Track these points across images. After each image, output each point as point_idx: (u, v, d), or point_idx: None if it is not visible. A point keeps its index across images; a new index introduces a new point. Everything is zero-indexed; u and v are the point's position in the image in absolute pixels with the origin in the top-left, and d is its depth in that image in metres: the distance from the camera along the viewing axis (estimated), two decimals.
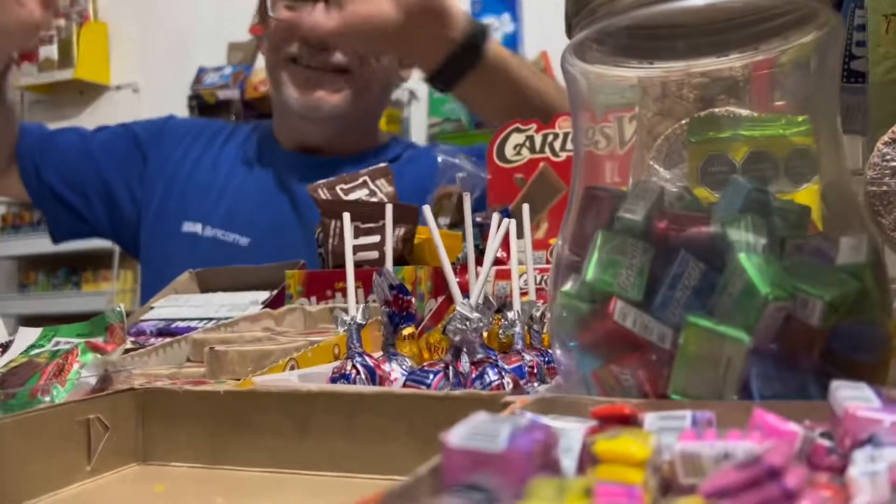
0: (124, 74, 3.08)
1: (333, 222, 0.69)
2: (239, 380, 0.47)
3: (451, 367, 0.40)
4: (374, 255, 0.67)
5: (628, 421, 0.26)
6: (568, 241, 0.38)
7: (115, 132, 1.19)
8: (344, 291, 0.68)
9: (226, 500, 0.35)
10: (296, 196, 1.06)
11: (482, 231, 0.78)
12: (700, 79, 0.53)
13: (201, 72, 2.63)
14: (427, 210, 0.52)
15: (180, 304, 0.74)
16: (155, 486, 0.36)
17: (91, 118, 3.17)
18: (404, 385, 0.40)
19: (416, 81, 2.44)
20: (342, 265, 0.69)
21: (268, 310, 0.67)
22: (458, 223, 0.80)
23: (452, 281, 0.46)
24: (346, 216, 0.49)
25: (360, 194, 0.79)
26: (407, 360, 0.45)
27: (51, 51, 2.95)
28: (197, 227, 1.07)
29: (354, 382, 0.41)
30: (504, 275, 0.72)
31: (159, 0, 3.04)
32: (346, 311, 0.45)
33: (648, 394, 0.30)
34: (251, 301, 0.72)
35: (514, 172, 0.82)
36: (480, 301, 0.43)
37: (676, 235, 0.33)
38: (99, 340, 0.40)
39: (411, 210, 0.67)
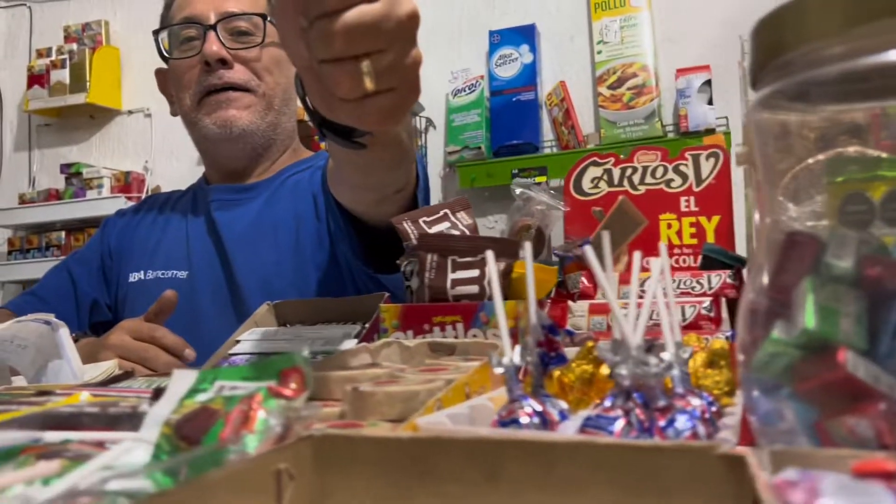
0: (136, 99, 3.07)
1: (430, 256, 0.69)
2: (393, 421, 0.47)
3: (632, 414, 0.39)
4: (474, 289, 0.67)
5: (891, 476, 0.26)
6: (765, 286, 0.38)
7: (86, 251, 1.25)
8: (443, 326, 0.68)
9: None
10: (216, 223, 1.12)
11: (563, 264, 0.78)
12: (821, 122, 0.53)
13: None
14: (527, 247, 0.52)
15: (267, 337, 0.74)
16: None
17: (102, 142, 3.16)
18: (582, 431, 0.40)
19: (433, 110, 2.46)
20: (441, 299, 0.69)
21: (364, 344, 0.67)
22: (537, 255, 0.81)
23: (535, 315, 0.46)
24: (528, 247, 0.48)
25: (442, 227, 0.79)
26: (560, 402, 0.45)
27: (62, 74, 2.95)
28: (140, 275, 1.13)
29: (527, 428, 0.40)
30: (597, 309, 0.72)
31: None
32: (497, 350, 0.45)
33: (889, 446, 0.30)
34: (343, 334, 0.71)
35: (593, 205, 0.83)
36: (641, 342, 0.43)
37: (892, 283, 0.33)
38: (272, 384, 0.40)
39: (512, 244, 0.67)
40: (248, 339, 0.73)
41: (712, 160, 0.78)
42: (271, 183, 1.15)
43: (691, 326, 0.67)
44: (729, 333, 0.63)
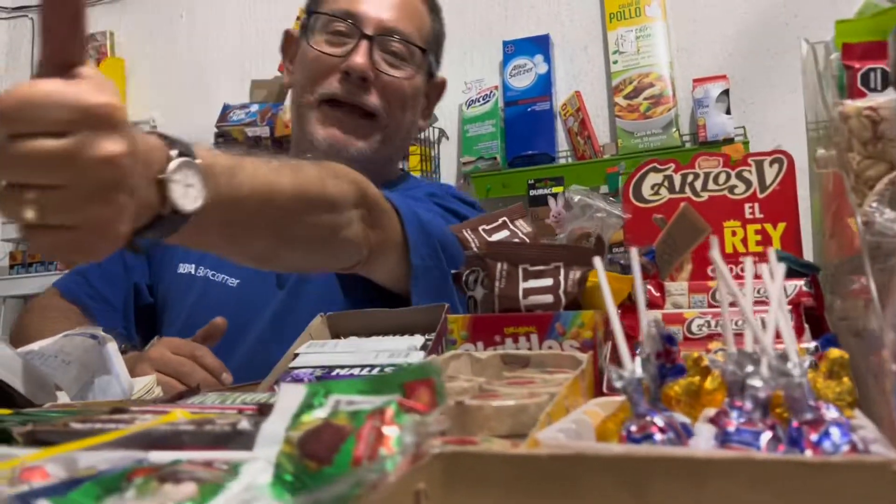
0: (142, 111, 3.05)
1: (500, 265, 0.67)
2: (505, 437, 0.45)
3: (778, 427, 0.37)
4: (548, 298, 0.65)
5: None
6: None
7: None
8: (515, 337, 0.66)
9: None
10: None
11: (625, 273, 0.76)
12: None
13: (226, 109, 2.61)
14: (634, 254, 0.50)
15: (327, 350, 0.71)
16: None
17: None
18: (723, 446, 0.37)
19: (445, 121, 2.45)
20: (512, 309, 0.67)
21: (434, 356, 0.64)
22: None
23: (653, 326, 0.44)
24: (634, 254, 0.46)
25: (502, 236, 0.77)
26: (681, 416, 0.42)
27: None
28: (190, 268, 1.07)
29: (662, 444, 0.38)
30: (671, 319, 0.70)
31: (178, 37, 3.04)
32: (618, 364, 0.43)
33: None
34: (408, 346, 0.69)
35: (653, 212, 0.81)
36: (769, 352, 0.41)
37: None
38: (397, 398, 0.37)
39: (586, 253, 0.65)
40: (308, 353, 0.71)
41: (776, 166, 0.77)
42: None
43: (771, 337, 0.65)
44: (813, 344, 0.61)
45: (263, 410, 0.45)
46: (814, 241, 0.76)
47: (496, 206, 2.28)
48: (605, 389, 0.61)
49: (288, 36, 1.13)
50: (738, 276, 0.76)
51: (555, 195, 2.10)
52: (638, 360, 0.42)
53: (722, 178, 0.79)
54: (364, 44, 0.98)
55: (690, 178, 0.80)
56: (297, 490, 0.35)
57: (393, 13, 1.01)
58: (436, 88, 1.13)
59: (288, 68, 1.12)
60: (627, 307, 0.72)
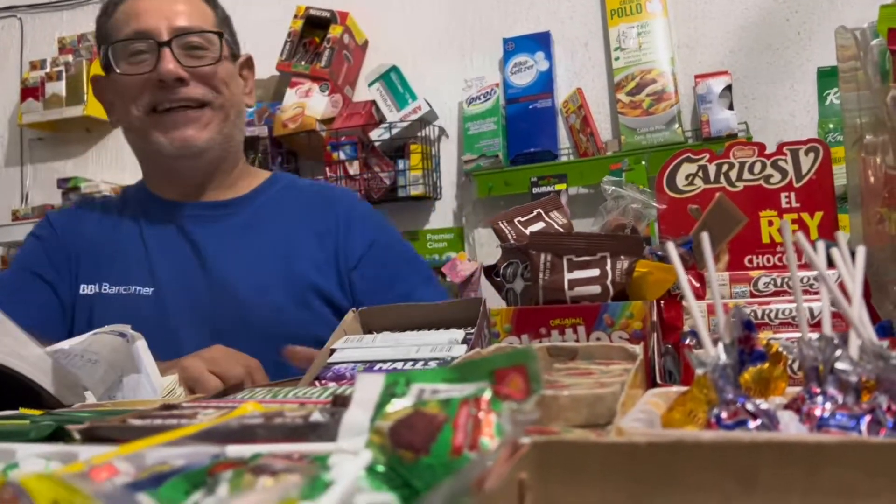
0: None
1: (543, 255, 0.66)
2: (583, 427, 0.43)
3: (878, 411, 0.36)
4: (595, 289, 0.63)
5: None
6: None
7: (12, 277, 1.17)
8: (561, 329, 0.64)
9: None
10: (196, 242, 1.10)
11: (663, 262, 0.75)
12: None
13: None
14: (671, 246, 0.49)
15: (365, 345, 0.70)
16: None
17: (98, 156, 3.09)
18: (819, 431, 0.36)
19: (445, 119, 2.43)
20: (557, 301, 0.66)
21: (478, 349, 0.63)
22: (637, 255, 0.77)
23: (733, 312, 0.43)
24: (705, 240, 0.45)
25: (537, 227, 0.76)
26: (762, 403, 0.41)
27: (59, 87, 2.87)
28: (93, 287, 1.08)
29: (758, 430, 0.37)
30: (713, 309, 0.69)
31: None
32: (699, 349, 0.42)
33: None
34: (450, 340, 0.67)
35: (688, 203, 0.80)
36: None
37: None
38: (487, 385, 0.36)
39: (635, 242, 0.64)
40: (345, 348, 0.69)
41: (812, 155, 0.76)
42: (251, 202, 1.15)
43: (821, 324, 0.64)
44: None
45: (338, 402, 0.44)
46: (851, 228, 0.76)
47: (497, 205, 2.28)
48: (658, 381, 0.60)
49: (95, 82, 1.16)
50: (777, 267, 0.76)
51: (558, 193, 2.09)
52: (720, 345, 0.41)
53: (757, 167, 0.78)
54: (165, 51, 1.04)
55: (725, 167, 0.79)
56: (392, 481, 0.34)
57: (176, 15, 1.07)
58: (247, 65, 1.18)
59: (110, 109, 1.16)
60: (668, 299, 0.71)
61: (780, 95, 2.08)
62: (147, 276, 1.08)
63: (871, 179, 0.65)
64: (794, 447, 0.33)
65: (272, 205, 1.15)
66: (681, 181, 0.80)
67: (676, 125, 2.06)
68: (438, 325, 0.75)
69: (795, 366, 0.55)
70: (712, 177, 0.79)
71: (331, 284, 1.08)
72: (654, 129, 2.06)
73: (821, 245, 0.48)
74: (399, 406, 0.37)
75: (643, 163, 1.95)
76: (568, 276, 0.64)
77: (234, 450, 0.36)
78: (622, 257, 0.64)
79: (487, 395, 0.34)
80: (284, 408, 0.43)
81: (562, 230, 0.76)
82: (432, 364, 0.63)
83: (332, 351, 0.69)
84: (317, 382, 0.64)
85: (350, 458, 0.35)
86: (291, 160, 2.54)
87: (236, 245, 1.10)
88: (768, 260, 0.75)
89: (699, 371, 0.41)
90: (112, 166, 3.04)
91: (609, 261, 0.63)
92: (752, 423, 0.37)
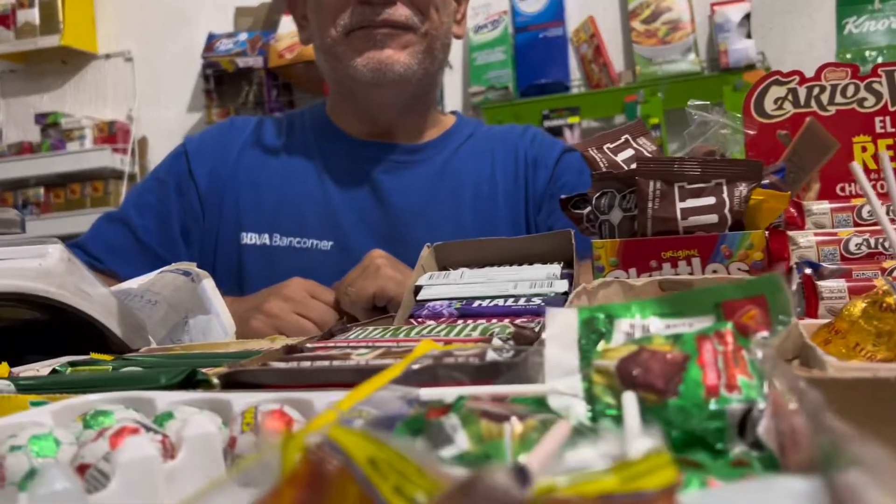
0: (114, 42, 2.85)
1: (653, 183, 0.61)
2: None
3: None
4: (712, 218, 0.60)
5: None
6: None
7: (145, 194, 1.03)
8: (674, 261, 0.61)
9: None
10: (378, 187, 0.98)
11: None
12: None
13: (212, 38, 2.45)
14: (856, 166, 0.45)
15: (453, 281, 0.66)
16: None
17: (77, 89, 2.94)
18: None
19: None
20: (668, 231, 0.62)
21: (584, 285, 0.59)
22: None
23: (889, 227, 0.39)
24: (856, 168, 0.41)
25: (627, 154, 0.71)
26: None
27: (31, 14, 2.69)
28: (259, 238, 0.96)
29: None
30: (827, 241, 0.66)
31: None
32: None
33: None
34: (548, 275, 0.63)
35: (777, 128, 0.76)
36: None
37: None
38: (708, 320, 0.32)
39: (754, 166, 0.60)
40: (432, 284, 0.65)
41: None
42: (442, 148, 1.03)
43: None
44: None
45: (520, 339, 0.40)
46: None
47: None
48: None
49: None
50: (879, 195, 0.73)
51: (570, 126, 2.04)
52: None
53: (850, 90, 0.74)
54: None
55: (816, 90, 0.75)
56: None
57: None
58: None
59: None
60: (772, 229, 0.68)
61: (798, 25, 2.03)
62: (326, 227, 0.95)
63: None
64: None
65: (466, 153, 1.03)
66: (769, 105, 0.76)
67: (693, 55, 2.00)
68: (522, 259, 0.71)
69: None
70: (802, 100, 0.75)
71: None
72: (670, 58, 2.00)
73: None
74: (616, 342, 0.33)
75: (659, 94, 1.90)
76: (680, 204, 0.60)
77: (429, 392, 0.32)
78: (740, 183, 0.60)
79: (730, 328, 0.30)
80: (448, 347, 0.39)
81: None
82: (536, 301, 0.59)
83: (419, 288, 0.65)
84: (412, 321, 0.60)
85: (573, 401, 0.31)
86: (287, 93, 2.44)
87: (427, 197, 0.98)
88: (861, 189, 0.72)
89: None
90: (92, 101, 2.89)
91: (726, 187, 0.60)
92: None
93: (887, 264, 0.58)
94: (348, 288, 0.78)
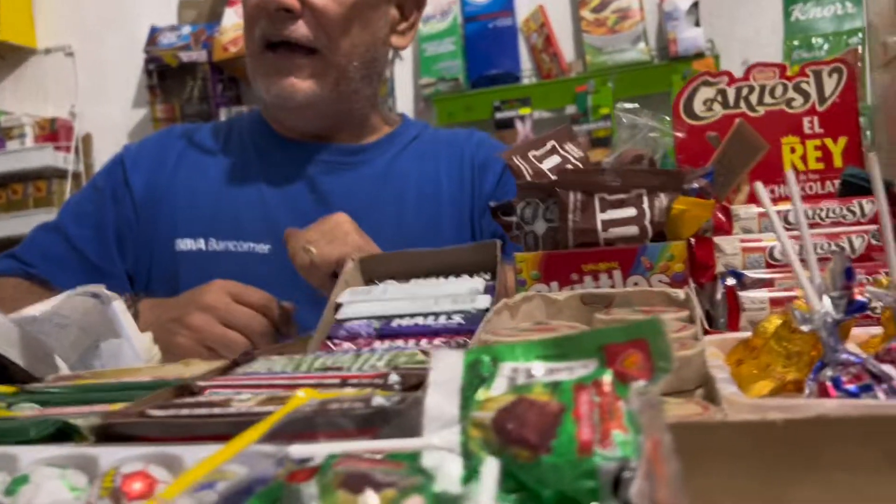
0: (54, 36, 2.75)
1: (573, 194, 0.60)
2: (675, 394, 0.39)
3: None
4: (632, 230, 0.59)
5: None
6: None
7: (82, 202, 1.01)
8: (595, 274, 0.60)
9: None
10: (318, 188, 0.96)
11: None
12: None
13: (154, 32, 2.37)
14: (760, 186, 0.44)
15: (375, 297, 0.63)
16: None
17: (16, 86, 2.83)
18: None
19: None
20: (589, 244, 0.61)
21: (505, 300, 0.58)
22: None
23: (838, 260, 0.39)
24: (760, 188, 0.40)
25: (553, 162, 0.70)
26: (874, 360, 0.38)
27: None
28: (195, 243, 0.94)
29: (885, 396, 0.33)
30: (752, 248, 0.65)
31: None
32: (800, 303, 0.38)
33: None
34: (471, 290, 0.62)
35: (706, 130, 0.75)
36: None
37: None
38: (592, 364, 0.31)
39: (676, 177, 0.59)
40: (354, 302, 0.63)
41: (835, 76, 0.72)
42: (389, 146, 0.99)
43: (863, 259, 0.61)
44: None
45: (405, 382, 0.38)
46: (869, 153, 0.73)
47: None
48: (706, 328, 0.56)
49: None
50: (811, 197, 0.72)
51: (522, 117, 2.03)
52: (826, 299, 0.37)
53: (779, 90, 0.73)
54: None
55: (745, 91, 0.74)
56: (503, 485, 0.29)
57: None
58: None
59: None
60: (698, 237, 0.67)
61: (746, 13, 2.03)
62: (263, 230, 0.92)
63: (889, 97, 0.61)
64: None
65: (410, 155, 0.99)
66: (698, 107, 0.75)
67: (642, 43, 2.00)
68: (448, 270, 0.70)
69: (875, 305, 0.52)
70: (732, 101, 0.74)
71: (467, 240, 0.95)
72: (620, 48, 2.00)
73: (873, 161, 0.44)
74: (496, 391, 0.31)
75: (609, 84, 1.89)
76: (601, 216, 0.59)
77: (299, 450, 0.30)
78: (660, 194, 0.59)
79: (609, 377, 0.29)
80: (333, 394, 0.37)
81: (579, 165, 0.70)
82: (457, 318, 0.58)
83: (339, 306, 0.63)
84: (329, 343, 0.58)
85: (447, 457, 0.30)
86: (233, 87, 2.38)
87: (369, 200, 0.94)
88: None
89: (804, 328, 0.37)
90: (32, 97, 2.79)
91: (646, 198, 0.58)
92: (878, 388, 0.34)
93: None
94: (310, 248, 0.74)
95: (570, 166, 0.69)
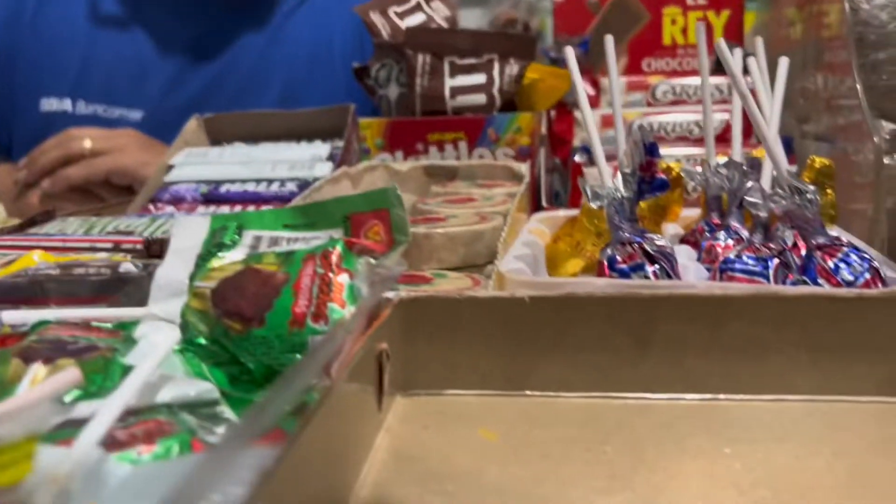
0: None
1: (422, 57, 0.56)
2: (460, 269, 0.37)
3: (786, 253, 0.32)
4: (480, 98, 0.55)
5: None
6: None
7: None
8: (440, 144, 0.57)
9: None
10: (199, 46, 0.86)
11: (557, 66, 0.68)
12: None
13: None
14: (570, 51, 0.41)
15: (211, 160, 0.59)
16: (478, 430, 0.27)
17: None
18: (726, 276, 0.32)
19: None
20: (436, 111, 0.57)
21: (345, 168, 0.54)
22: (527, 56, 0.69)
23: (636, 132, 0.37)
24: (570, 52, 0.37)
25: (417, 20, 0.64)
26: (660, 239, 0.36)
27: None
28: (60, 104, 0.85)
29: (654, 275, 0.32)
30: (609, 122, 0.63)
31: None
32: (587, 178, 0.36)
33: None
34: (312, 156, 0.58)
35: None
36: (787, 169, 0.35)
37: None
38: (337, 233, 0.28)
39: (528, 42, 0.55)
40: (186, 164, 0.59)
41: None
42: (281, 3, 0.90)
43: (721, 139, 0.60)
44: None
45: (152, 247, 0.35)
46: (753, 31, 0.70)
47: None
48: (543, 203, 0.55)
49: None
50: (678, 72, 0.70)
51: None
52: (619, 175, 0.35)
53: None
54: None
55: None
56: (214, 357, 0.27)
57: None
58: None
59: None
60: (559, 109, 0.64)
61: None
62: (136, 93, 0.84)
63: None
64: (697, 301, 0.29)
65: (302, 15, 0.91)
66: None
67: None
68: (300, 135, 0.65)
69: (689, 186, 0.51)
70: None
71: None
72: None
73: (737, 52, 0.42)
74: (228, 260, 0.29)
75: None
76: (450, 82, 0.55)
77: (12, 315, 0.27)
78: (512, 60, 0.55)
79: (339, 248, 0.26)
80: (82, 257, 0.34)
81: (444, 24, 0.65)
82: (290, 185, 0.54)
83: (170, 167, 0.59)
84: (151, 206, 0.54)
85: (164, 327, 0.28)
86: None
87: (256, 60, 0.87)
88: (667, 64, 0.69)
89: (593, 205, 0.35)
90: None
91: (497, 64, 0.55)
92: (650, 268, 0.33)
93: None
94: (85, 139, 0.70)
95: (434, 26, 0.64)
